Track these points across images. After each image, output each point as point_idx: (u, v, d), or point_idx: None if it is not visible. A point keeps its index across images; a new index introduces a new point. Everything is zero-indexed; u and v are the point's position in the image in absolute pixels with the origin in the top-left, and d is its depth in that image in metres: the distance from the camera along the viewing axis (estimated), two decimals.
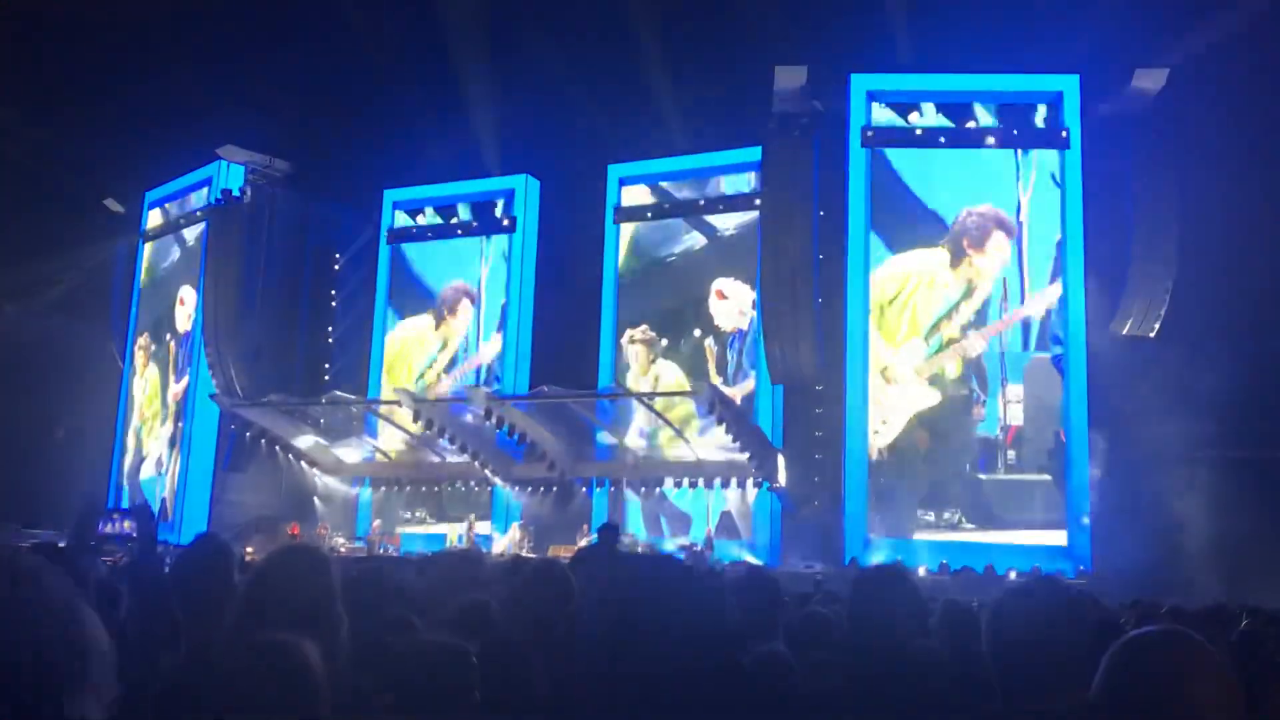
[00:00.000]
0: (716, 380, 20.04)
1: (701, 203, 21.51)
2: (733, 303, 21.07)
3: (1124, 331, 17.81)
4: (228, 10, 21.72)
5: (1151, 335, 17.71)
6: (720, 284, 21.28)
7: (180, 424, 24.10)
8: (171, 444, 24.31)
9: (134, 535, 4.96)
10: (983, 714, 2.65)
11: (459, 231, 23.77)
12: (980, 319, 18.65)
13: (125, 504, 23.92)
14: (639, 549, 17.67)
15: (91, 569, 4.09)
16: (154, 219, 26.52)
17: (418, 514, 22.27)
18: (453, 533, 20.47)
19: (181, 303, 25.16)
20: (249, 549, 19.06)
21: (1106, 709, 1.93)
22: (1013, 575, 16.14)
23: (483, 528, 20.68)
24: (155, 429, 25.10)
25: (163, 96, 22.36)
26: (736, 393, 20.04)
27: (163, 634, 3.57)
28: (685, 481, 19.70)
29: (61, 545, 4.67)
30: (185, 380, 24.29)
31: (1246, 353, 17.75)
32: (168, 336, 25.43)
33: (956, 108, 19.24)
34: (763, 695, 3.07)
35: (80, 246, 26.22)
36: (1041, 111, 19.09)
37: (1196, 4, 18.13)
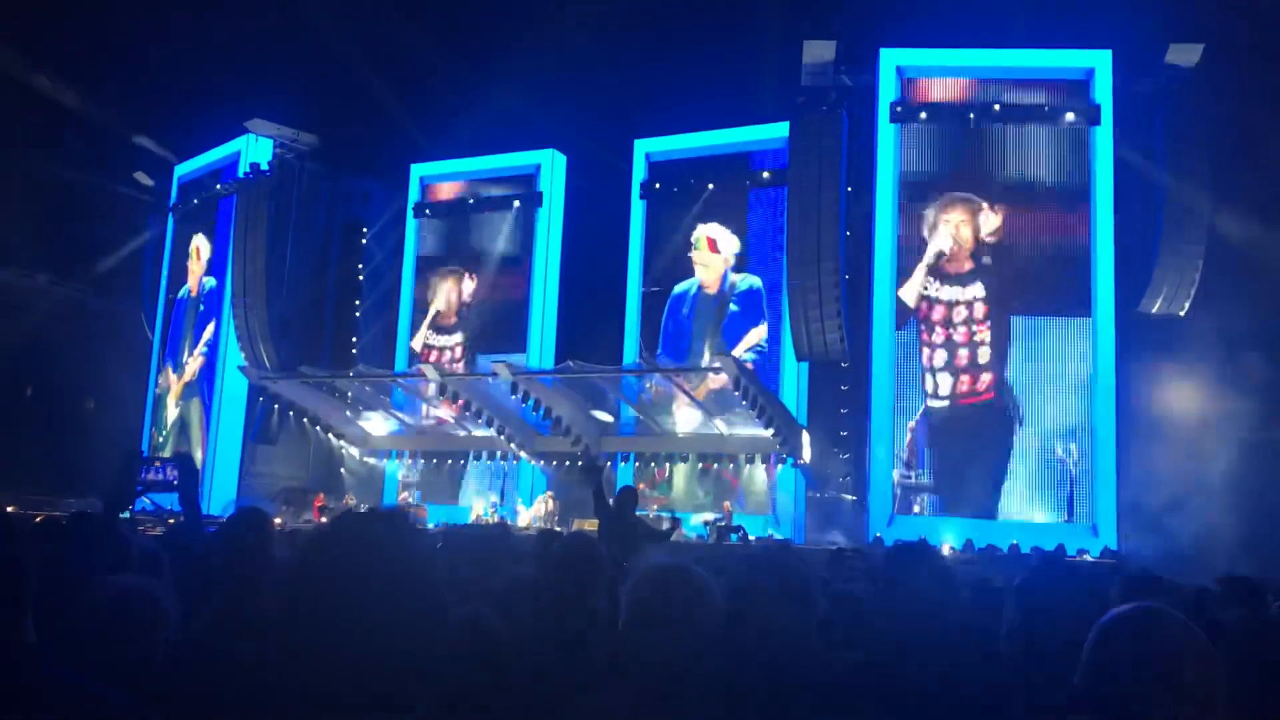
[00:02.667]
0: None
1: (728, 175, 21.42)
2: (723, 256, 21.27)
3: (1154, 310, 17.70)
4: None
5: (1181, 314, 17.59)
6: (709, 231, 21.39)
7: (201, 384, 24.40)
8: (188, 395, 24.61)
9: (175, 483, 5.07)
10: (1007, 691, 2.68)
11: (486, 206, 23.82)
12: None
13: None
14: (664, 524, 17.72)
15: (131, 535, 4.16)
16: (183, 192, 26.66)
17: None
18: (478, 506, 20.63)
19: (197, 254, 25.34)
20: (277, 520, 19.32)
21: (1091, 687, 1.95)
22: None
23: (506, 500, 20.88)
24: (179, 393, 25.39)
25: (191, 70, 22.45)
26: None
27: (202, 599, 3.64)
28: (710, 456, 19.79)
29: (96, 508, 4.74)
30: (200, 344, 24.56)
31: (1277, 331, 17.61)
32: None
33: (986, 83, 19.10)
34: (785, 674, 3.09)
35: (110, 219, 26.45)
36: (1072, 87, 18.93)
37: None
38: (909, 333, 18.73)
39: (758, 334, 20.71)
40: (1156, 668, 1.87)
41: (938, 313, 18.68)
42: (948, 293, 18.73)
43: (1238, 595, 4.82)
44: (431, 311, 23.91)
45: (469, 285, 23.78)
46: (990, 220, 18.73)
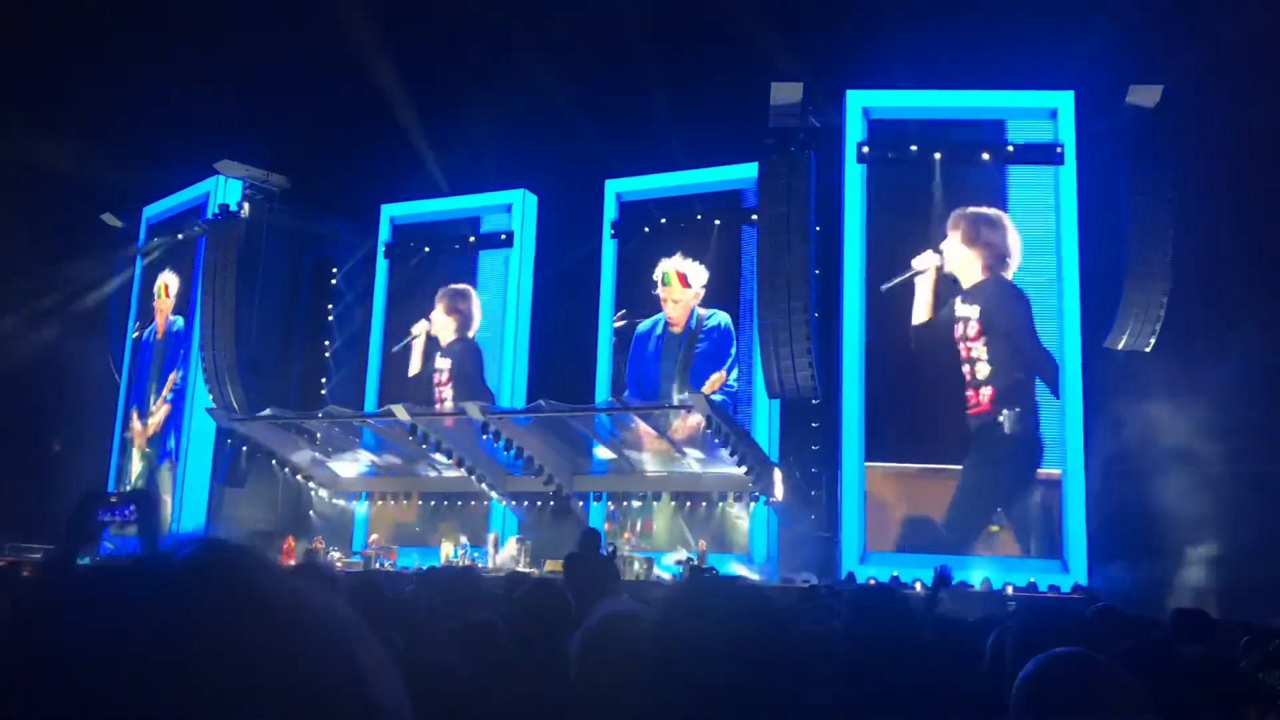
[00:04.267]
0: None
1: (699, 216, 21.54)
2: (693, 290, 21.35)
3: (1119, 346, 17.88)
4: (226, 26, 21.80)
5: (1147, 350, 17.78)
6: (679, 265, 21.46)
7: (167, 432, 24.16)
8: (163, 438, 24.39)
9: (135, 520, 4.96)
10: None
11: (456, 246, 23.79)
12: None
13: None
14: (636, 564, 17.68)
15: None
16: (151, 234, 26.52)
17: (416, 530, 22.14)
18: (448, 548, 20.40)
19: (165, 290, 25.17)
20: None
21: None
22: (1009, 590, 16.20)
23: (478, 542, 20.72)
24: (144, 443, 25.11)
25: (161, 112, 22.44)
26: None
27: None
28: (683, 495, 19.75)
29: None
30: (166, 389, 24.35)
31: (1241, 368, 17.82)
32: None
33: (951, 123, 19.35)
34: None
35: (78, 261, 26.28)
36: (1036, 127, 19.20)
37: (1191, 20, 18.26)
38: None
39: (721, 377, 20.70)
40: (1083, 715, 1.88)
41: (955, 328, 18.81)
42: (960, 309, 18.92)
43: (1190, 630, 4.85)
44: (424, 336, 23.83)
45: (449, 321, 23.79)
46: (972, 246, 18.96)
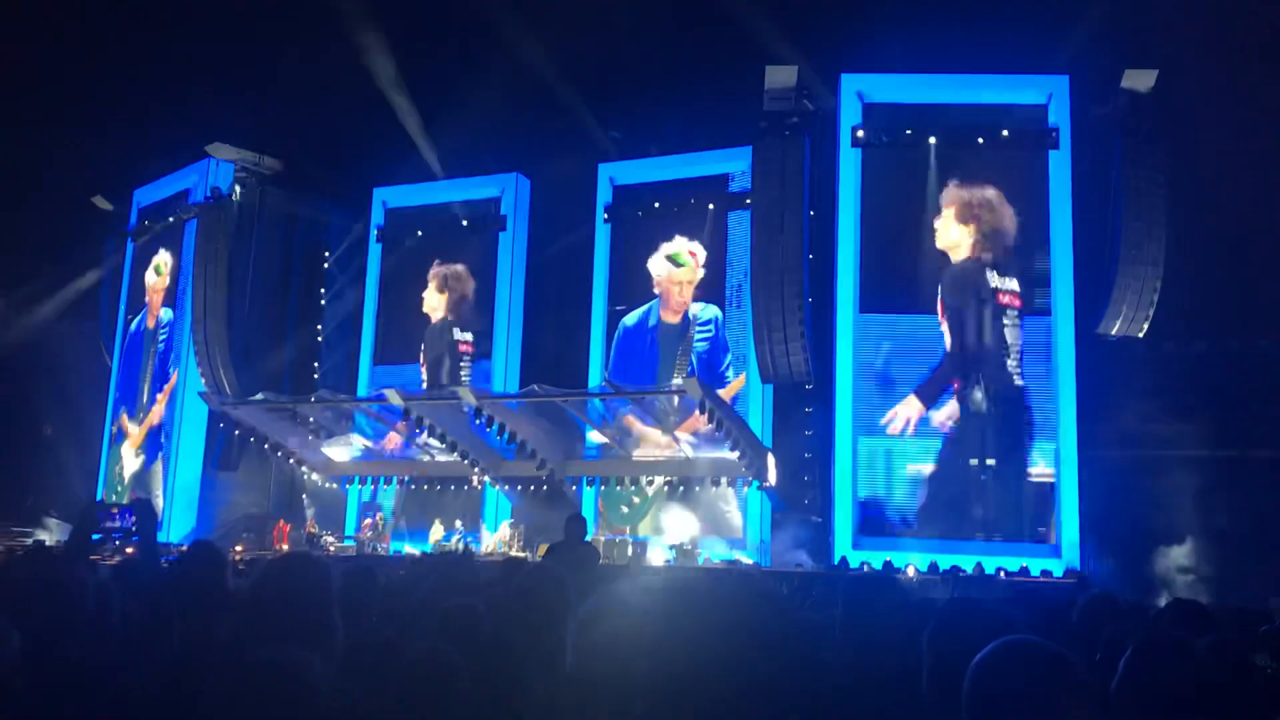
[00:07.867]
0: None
1: (693, 200, 21.41)
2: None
3: (1113, 331, 17.88)
4: (218, 7, 21.63)
5: (1140, 335, 17.79)
6: (687, 245, 21.32)
7: (166, 415, 24.05)
8: (156, 435, 24.26)
9: (135, 529, 5.03)
10: None
11: (449, 230, 23.68)
12: None
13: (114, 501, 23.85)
14: (629, 549, 17.70)
15: (88, 574, 4.08)
16: (142, 217, 26.37)
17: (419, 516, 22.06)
18: (438, 532, 20.40)
19: (161, 268, 25.10)
20: (238, 548, 19.11)
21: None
22: (1002, 575, 16.24)
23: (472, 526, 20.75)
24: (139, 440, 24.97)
25: (151, 93, 22.30)
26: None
27: (156, 634, 3.57)
28: (676, 480, 19.73)
29: (52, 547, 4.71)
30: (166, 391, 24.23)
31: (1233, 352, 17.86)
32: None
33: (946, 107, 19.27)
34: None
35: (69, 244, 26.18)
36: (1031, 111, 19.15)
37: (1187, 3, 18.20)
38: None
39: (740, 381, 20.54)
40: (1030, 704, 1.87)
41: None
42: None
43: (1186, 619, 4.85)
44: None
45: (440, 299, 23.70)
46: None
